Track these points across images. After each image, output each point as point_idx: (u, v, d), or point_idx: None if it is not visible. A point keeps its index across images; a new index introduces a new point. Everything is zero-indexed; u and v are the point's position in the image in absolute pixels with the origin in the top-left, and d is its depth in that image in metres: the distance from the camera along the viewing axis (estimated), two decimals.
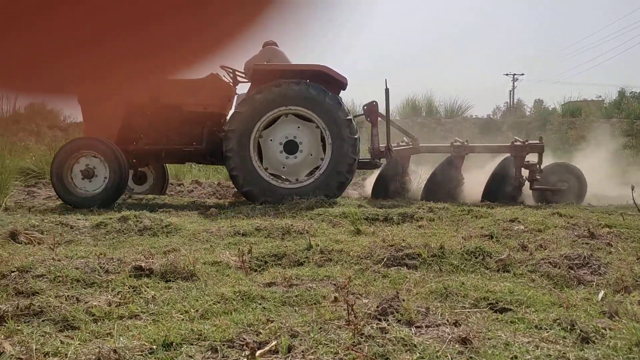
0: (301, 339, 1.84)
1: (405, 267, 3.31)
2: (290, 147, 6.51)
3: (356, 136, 6.49)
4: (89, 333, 2.03)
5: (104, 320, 2.19)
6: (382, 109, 7.35)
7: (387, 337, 1.86)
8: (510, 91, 45.55)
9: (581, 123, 17.77)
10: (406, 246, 3.60)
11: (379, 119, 7.30)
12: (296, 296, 2.60)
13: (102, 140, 6.30)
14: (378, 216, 5.38)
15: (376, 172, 7.68)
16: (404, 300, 2.20)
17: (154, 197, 8.37)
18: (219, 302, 2.40)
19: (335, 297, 2.58)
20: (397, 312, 2.10)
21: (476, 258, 3.38)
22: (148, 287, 2.58)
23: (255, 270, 3.34)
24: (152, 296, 2.45)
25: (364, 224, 4.88)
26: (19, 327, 2.06)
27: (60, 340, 1.95)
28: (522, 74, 56.68)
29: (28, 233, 4.09)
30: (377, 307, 2.12)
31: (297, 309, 2.40)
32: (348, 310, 2.06)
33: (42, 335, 2.01)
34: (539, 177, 6.87)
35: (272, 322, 2.01)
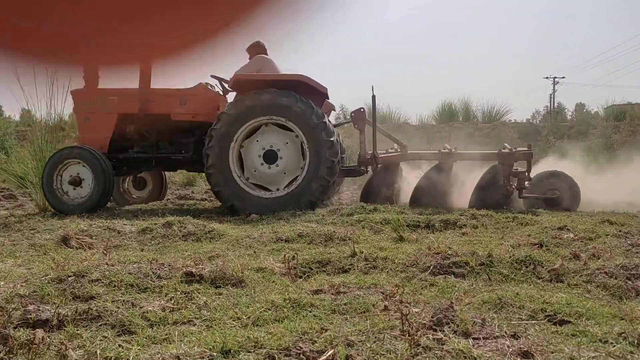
0: (358, 349, 1.82)
1: (452, 276, 3.25)
2: (270, 156, 6.56)
3: (332, 138, 6.45)
4: (146, 338, 2.06)
5: (159, 325, 2.22)
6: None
7: (445, 348, 1.83)
8: (551, 95, 44.47)
9: (626, 127, 17.19)
10: (452, 254, 3.54)
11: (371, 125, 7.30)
12: (345, 304, 2.58)
13: (89, 149, 6.57)
14: (419, 223, 5.32)
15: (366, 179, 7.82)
16: (458, 311, 2.15)
17: (194, 202, 8.52)
18: (269, 309, 2.41)
19: (385, 305, 2.55)
20: (453, 323, 2.05)
21: (527, 267, 3.29)
22: (199, 293, 2.61)
23: (300, 277, 3.33)
24: (204, 302, 2.48)
25: (406, 231, 4.82)
26: (79, 332, 2.12)
27: (119, 344, 1.99)
28: (563, 77, 55.27)
29: (79, 238, 4.21)
30: (432, 317, 2.09)
31: (347, 317, 2.38)
32: (402, 320, 2.03)
33: (101, 340, 2.05)
34: (527, 186, 6.81)
35: (326, 330, 2.00)
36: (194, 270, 2.81)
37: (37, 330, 2.06)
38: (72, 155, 6.55)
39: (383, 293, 2.85)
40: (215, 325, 2.20)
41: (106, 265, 2.91)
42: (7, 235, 4.76)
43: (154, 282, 2.73)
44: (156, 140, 7.14)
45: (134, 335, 2.12)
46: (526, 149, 7.00)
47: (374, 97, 7.48)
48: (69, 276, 2.69)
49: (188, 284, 2.75)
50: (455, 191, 6.91)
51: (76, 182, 6.51)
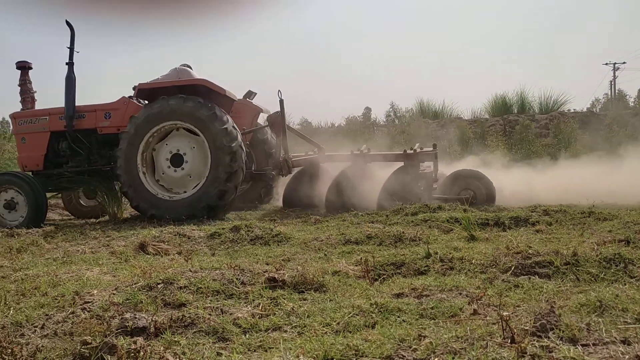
0: (463, 358, 1.77)
1: (537, 277, 3.12)
2: (176, 160, 6.72)
3: (233, 144, 6.49)
4: (241, 345, 2.08)
5: (251, 331, 2.24)
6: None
7: (555, 356, 1.74)
8: (611, 82, 42.29)
9: None
10: (534, 254, 3.41)
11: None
12: (432, 308, 2.52)
13: (17, 174, 7.07)
14: (488, 221, 5.18)
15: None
16: (561, 315, 2.06)
17: (255, 204, 8.57)
18: (357, 315, 2.38)
19: (474, 309, 2.48)
20: (557, 329, 1.96)
21: (616, 266, 3.12)
22: (285, 299, 2.62)
23: (376, 280, 3.29)
24: (291, 308, 2.48)
25: (477, 230, 4.69)
26: (176, 339, 2.16)
27: (217, 352, 2.01)
28: (624, 63, 52.37)
29: (155, 244, 4.33)
30: (535, 322, 2.00)
31: (437, 322, 2.32)
32: (502, 326, 1.96)
33: (197, 347, 2.09)
34: (435, 186, 6.83)
35: (424, 337, 1.95)
36: (276, 276, 2.83)
37: (137, 338, 2.12)
38: (2, 182, 6.96)
39: (467, 296, 2.77)
40: (307, 331, 2.20)
41: (190, 272, 2.97)
42: (85, 243, 4.96)
43: (238, 288, 2.77)
44: (87, 155, 7.42)
45: (228, 342, 2.14)
46: (431, 149, 7.04)
47: (281, 101, 7.53)
48: (158, 283, 2.76)
49: (272, 289, 2.76)
50: (366, 191, 6.85)
51: (11, 206, 6.93)
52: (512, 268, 3.25)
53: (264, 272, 3.05)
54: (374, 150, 7.90)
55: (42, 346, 2.05)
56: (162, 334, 2.22)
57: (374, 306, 2.48)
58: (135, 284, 2.83)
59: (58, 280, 3.16)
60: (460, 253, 3.72)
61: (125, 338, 2.12)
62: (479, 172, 7.09)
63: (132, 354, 1.88)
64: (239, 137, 6.68)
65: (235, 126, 6.74)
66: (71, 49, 7.20)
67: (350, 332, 2.19)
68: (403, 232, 4.56)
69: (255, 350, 2.04)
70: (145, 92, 7.05)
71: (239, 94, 7.77)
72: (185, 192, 6.70)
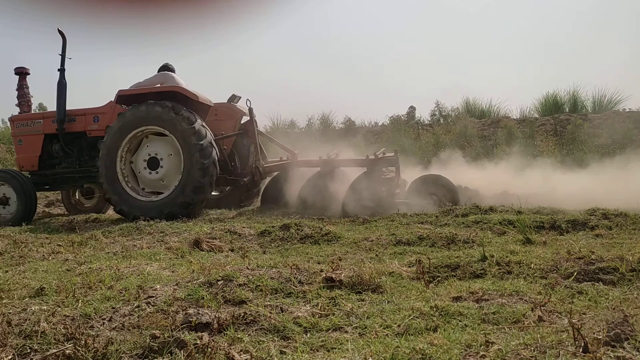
0: None
1: (601, 283, 3.01)
2: (153, 163, 7.01)
3: (202, 142, 6.71)
4: (303, 344, 2.09)
5: (312, 331, 2.25)
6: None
7: None
8: None
9: None
10: (597, 259, 3.29)
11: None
12: (493, 313, 2.47)
13: (9, 172, 7.47)
14: (544, 223, 5.03)
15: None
16: (635, 325, 1.97)
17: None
18: (417, 317, 2.36)
19: (539, 316, 2.41)
20: (632, 339, 1.88)
21: None
22: (343, 299, 2.62)
23: (431, 282, 3.25)
24: (350, 309, 2.48)
25: (532, 233, 4.56)
26: (239, 336, 2.19)
27: (281, 350, 2.03)
28: None
29: (208, 241, 4.42)
30: (608, 331, 1.93)
31: (500, 327, 2.27)
32: (574, 334, 1.90)
33: (260, 344, 2.11)
34: (398, 191, 6.91)
35: (492, 344, 1.91)
36: (333, 276, 2.83)
37: (201, 333, 2.16)
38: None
39: (529, 301, 2.70)
40: (368, 333, 2.19)
41: (248, 270, 3.01)
42: (140, 238, 5.11)
43: (296, 287, 2.79)
44: (78, 156, 7.75)
45: (290, 341, 2.16)
46: (392, 154, 7.11)
47: (250, 109, 7.83)
48: (218, 280, 2.81)
49: (329, 289, 2.77)
50: (332, 195, 6.88)
51: (3, 202, 7.31)
52: (575, 274, 3.14)
53: (320, 271, 3.05)
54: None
55: (113, 339, 2.12)
56: (225, 330, 2.26)
57: (434, 309, 2.45)
58: (195, 280, 2.90)
59: (121, 274, 3.26)
60: (517, 257, 3.62)
61: (191, 333, 2.17)
62: (443, 177, 7.17)
63: (201, 349, 1.92)
64: (209, 135, 6.90)
65: (205, 126, 6.99)
66: (62, 56, 7.61)
67: (411, 335, 2.17)
68: (455, 234, 4.49)
69: (317, 350, 2.05)
70: (124, 98, 7.37)
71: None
72: (162, 193, 6.96)
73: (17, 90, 8.01)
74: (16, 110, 8.16)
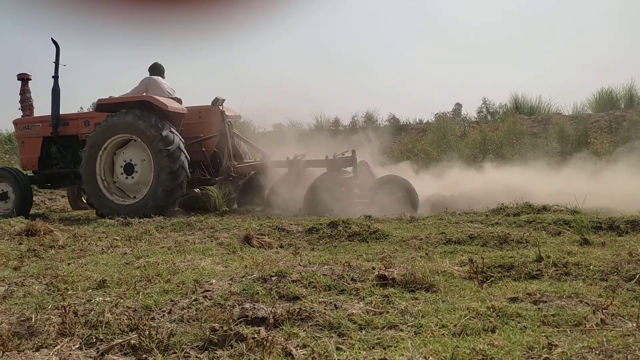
0: None
1: None
2: (128, 169, 7.45)
3: (170, 147, 7.03)
4: (359, 341, 2.10)
5: (367, 328, 2.25)
6: None
7: None
8: None
9: None
10: None
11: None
12: (553, 315, 2.40)
13: (8, 170, 8.21)
14: (601, 224, 4.85)
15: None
16: None
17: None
18: (474, 318, 2.32)
19: (601, 319, 2.33)
20: None
21: None
22: (397, 297, 2.61)
23: (484, 282, 3.19)
24: (405, 307, 2.47)
25: (590, 233, 4.40)
26: (294, 331, 2.22)
27: (337, 346, 2.04)
28: None
29: (258, 237, 4.49)
30: None
31: (562, 330, 2.21)
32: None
33: (317, 340, 2.13)
34: (357, 191, 7.09)
35: (555, 346, 1.86)
36: (386, 274, 2.82)
37: (259, 328, 2.20)
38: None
39: (589, 304, 2.61)
40: (424, 332, 2.17)
41: (301, 267, 3.05)
42: (192, 234, 5.24)
43: (349, 284, 2.80)
44: (72, 158, 8.19)
45: (345, 338, 2.17)
46: (350, 155, 7.24)
47: (222, 112, 8.02)
48: (272, 276, 2.85)
49: (382, 287, 2.77)
50: (297, 194, 7.07)
51: (2, 197, 7.95)
52: (638, 276, 3.02)
53: (372, 269, 3.05)
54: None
55: (174, 330, 2.18)
56: (280, 325, 2.30)
57: (491, 310, 2.40)
58: (249, 275, 2.95)
59: (176, 268, 3.36)
60: (575, 258, 3.51)
61: (248, 327, 2.21)
62: (402, 178, 7.37)
63: (260, 343, 1.96)
64: (177, 140, 7.21)
65: (174, 131, 7.28)
66: (56, 63, 8.11)
67: (468, 335, 2.14)
68: (508, 234, 4.39)
69: (373, 347, 2.05)
70: (104, 106, 7.79)
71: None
72: (135, 197, 7.43)
73: (19, 95, 8.61)
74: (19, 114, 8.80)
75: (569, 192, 6.82)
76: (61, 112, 8.31)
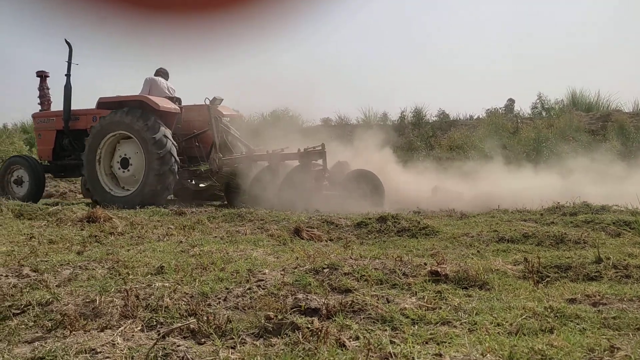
0: None
1: None
2: (124, 163, 8.07)
3: (155, 135, 7.58)
4: (412, 335, 2.09)
5: (420, 323, 2.24)
6: None
7: None
8: None
9: None
10: None
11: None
12: (613, 318, 2.32)
13: (25, 158, 9.05)
14: None
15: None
16: None
17: None
18: (531, 317, 2.27)
19: None
20: None
21: None
22: (449, 294, 2.58)
23: (540, 282, 3.10)
24: (458, 304, 2.44)
25: None
26: (347, 323, 2.24)
27: (390, 340, 2.04)
28: None
29: (308, 230, 4.53)
30: None
31: (624, 333, 2.13)
32: None
33: (370, 333, 2.14)
34: (326, 182, 7.43)
35: (617, 349, 1.80)
36: (438, 270, 2.80)
37: (312, 318, 2.23)
38: (14, 162, 8.90)
39: None
40: (478, 329, 2.15)
41: (352, 260, 3.06)
42: (242, 225, 5.35)
43: (400, 279, 2.79)
44: (82, 150, 8.50)
45: (398, 332, 2.17)
46: (319, 148, 7.46)
47: (209, 107, 8.36)
48: (324, 268, 2.89)
49: (435, 283, 2.75)
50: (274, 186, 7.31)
51: (18, 182, 8.70)
52: None
53: (424, 264, 3.03)
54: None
55: (231, 317, 2.25)
56: (333, 317, 2.32)
57: (548, 310, 2.35)
58: (301, 267, 2.99)
59: (230, 257, 3.44)
60: (636, 260, 3.37)
61: (301, 317, 2.25)
62: (371, 172, 7.66)
63: (315, 333, 1.99)
64: (162, 129, 7.73)
65: (168, 135, 7.77)
66: (69, 62, 8.72)
67: (525, 334, 2.10)
68: (565, 233, 4.25)
69: (427, 342, 2.04)
70: (104, 104, 8.33)
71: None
72: (129, 190, 7.99)
73: (38, 90, 9.30)
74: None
75: (630, 192, 6.53)
76: (73, 108, 8.97)
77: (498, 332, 2.12)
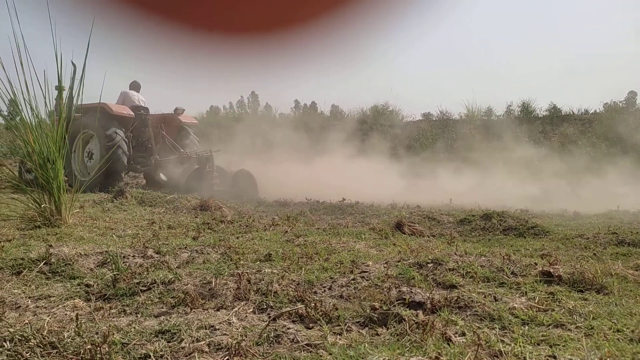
0: None
1: None
2: (90, 155, 9.80)
3: (110, 143, 9.08)
4: (522, 336, 2.03)
5: (530, 324, 2.16)
6: None
7: None
8: None
9: None
10: None
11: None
12: None
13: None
14: None
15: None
16: None
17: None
18: None
19: None
20: None
21: None
22: (563, 296, 2.46)
23: None
24: (572, 307, 2.32)
25: None
26: (453, 318, 2.21)
27: (499, 339, 2.00)
28: None
29: (410, 225, 4.51)
30: None
31: None
32: None
33: (477, 330, 2.10)
34: (216, 181, 9.21)
35: None
36: (551, 270, 2.67)
37: (417, 311, 2.24)
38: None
39: None
40: (596, 334, 2.03)
41: (457, 256, 3.01)
42: (343, 218, 5.43)
43: (509, 278, 2.70)
44: None
45: (507, 331, 2.11)
46: (208, 152, 9.33)
47: (146, 109, 10.13)
48: (428, 263, 2.87)
49: (546, 284, 2.63)
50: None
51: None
52: None
53: (535, 264, 2.91)
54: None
55: (337, 305, 2.32)
56: (437, 311, 2.31)
57: None
58: (405, 260, 3.00)
59: (333, 248, 3.53)
60: None
61: (406, 310, 2.26)
62: (248, 171, 9.31)
63: (420, 326, 2.00)
64: (117, 138, 9.31)
65: (118, 132, 9.38)
66: (72, 79, 9.87)
67: None
68: None
69: (539, 344, 1.96)
70: (79, 109, 9.03)
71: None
72: (90, 174, 9.30)
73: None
74: None
75: None
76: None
77: (618, 338, 1.99)
